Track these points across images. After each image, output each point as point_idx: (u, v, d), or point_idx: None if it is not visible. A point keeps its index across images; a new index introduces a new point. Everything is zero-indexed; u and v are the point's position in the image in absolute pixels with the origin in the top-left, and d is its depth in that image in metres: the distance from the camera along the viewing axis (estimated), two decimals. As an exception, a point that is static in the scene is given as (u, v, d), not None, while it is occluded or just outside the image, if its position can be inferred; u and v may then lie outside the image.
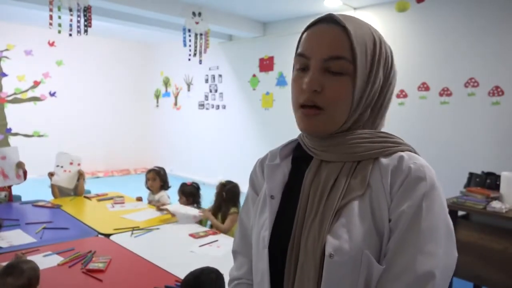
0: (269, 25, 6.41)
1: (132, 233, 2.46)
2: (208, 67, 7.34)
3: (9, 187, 3.33)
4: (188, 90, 7.96)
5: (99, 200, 3.34)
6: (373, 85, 0.72)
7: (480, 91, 4.28)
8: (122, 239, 2.35)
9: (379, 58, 0.72)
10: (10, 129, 7.11)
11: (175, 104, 8.31)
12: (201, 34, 5.50)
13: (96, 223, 2.66)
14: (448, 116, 4.52)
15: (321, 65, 0.70)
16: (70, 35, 4.42)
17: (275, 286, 0.74)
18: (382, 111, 0.77)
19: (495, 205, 2.68)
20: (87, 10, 4.34)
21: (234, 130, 7.03)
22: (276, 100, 6.26)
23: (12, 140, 7.10)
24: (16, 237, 2.33)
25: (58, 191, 3.46)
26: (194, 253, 2.20)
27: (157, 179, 3.37)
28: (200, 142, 7.69)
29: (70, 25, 4.36)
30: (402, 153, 0.70)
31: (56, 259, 2.01)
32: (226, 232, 2.68)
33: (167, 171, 3.57)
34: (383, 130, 0.78)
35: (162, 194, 3.33)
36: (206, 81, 7.52)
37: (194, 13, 5.38)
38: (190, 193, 3.13)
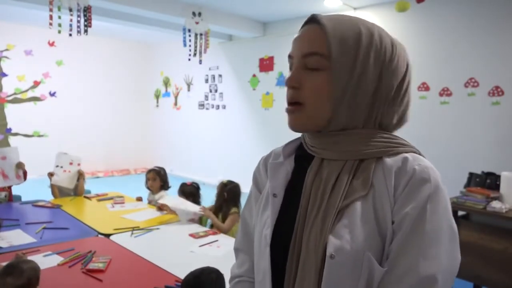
0: (269, 25, 6.41)
1: (132, 233, 2.46)
2: (208, 67, 7.34)
3: (9, 187, 3.33)
4: (188, 90, 7.96)
5: (99, 200, 3.34)
6: (360, 81, 0.70)
7: (480, 91, 4.28)
8: (122, 239, 2.34)
9: (367, 51, 0.70)
10: (10, 129, 7.11)
11: (175, 104, 8.31)
12: (201, 34, 5.50)
13: (96, 223, 2.66)
14: (448, 116, 4.52)
15: (300, 63, 0.72)
16: (70, 35, 4.42)
17: (277, 284, 0.73)
18: (388, 111, 0.73)
19: (495, 205, 2.68)
20: (87, 10, 4.34)
21: (234, 130, 7.03)
22: (276, 100, 6.26)
23: (12, 140, 7.10)
24: (16, 237, 2.33)
25: (58, 191, 3.46)
26: (194, 253, 2.20)
27: (157, 179, 3.37)
28: (200, 142, 7.69)
29: (70, 25, 4.36)
30: (406, 154, 0.69)
31: (56, 259, 2.01)
32: (226, 232, 2.67)
33: (167, 171, 3.57)
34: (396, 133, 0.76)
35: (162, 194, 3.33)
36: (206, 81, 7.52)
37: (194, 13, 5.38)
38: (190, 193, 3.13)
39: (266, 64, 6.42)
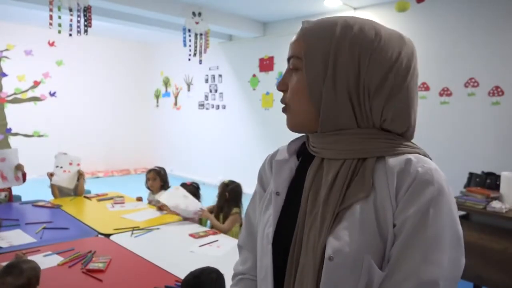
0: (269, 25, 6.41)
1: (132, 233, 2.46)
2: (208, 67, 7.34)
3: (9, 187, 3.33)
4: (188, 90, 7.96)
5: (99, 200, 3.34)
6: (335, 75, 0.68)
7: (480, 91, 4.28)
8: (122, 239, 2.35)
9: (340, 46, 0.68)
10: (10, 129, 7.11)
11: (175, 104, 8.31)
12: (201, 34, 5.50)
13: (96, 223, 2.66)
14: (448, 116, 4.52)
15: (288, 67, 0.76)
16: (70, 35, 4.42)
17: (279, 283, 0.73)
18: (373, 105, 0.69)
19: (495, 205, 2.68)
20: (87, 10, 4.34)
21: (234, 130, 7.03)
22: (276, 100, 6.25)
23: (12, 140, 7.10)
24: (16, 237, 2.33)
25: (58, 191, 3.46)
26: (194, 253, 2.20)
27: (158, 179, 3.37)
28: (200, 142, 7.69)
29: (70, 25, 4.36)
30: (410, 156, 0.67)
31: (56, 259, 2.01)
32: (226, 232, 2.67)
33: (167, 171, 3.57)
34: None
35: (162, 194, 3.33)
36: (206, 81, 7.52)
37: (194, 13, 5.38)
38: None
39: (266, 64, 6.42)
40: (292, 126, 0.76)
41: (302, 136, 0.83)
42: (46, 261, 1.97)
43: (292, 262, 0.71)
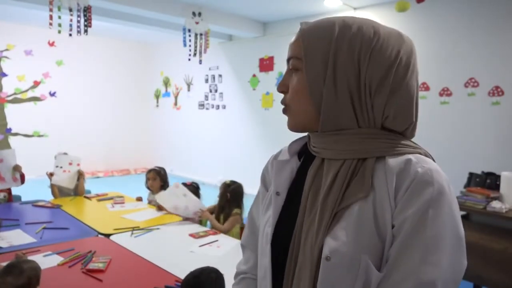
0: (269, 25, 6.41)
1: (132, 233, 2.46)
2: (208, 67, 7.34)
3: (8, 188, 3.33)
4: (188, 90, 7.96)
5: (99, 200, 3.34)
6: (335, 74, 0.68)
7: (480, 91, 4.28)
8: (122, 239, 2.34)
9: (339, 45, 0.68)
10: (10, 129, 7.11)
11: (175, 104, 8.31)
12: (201, 34, 5.50)
13: (96, 223, 2.65)
14: (448, 116, 4.52)
15: (287, 68, 0.76)
16: (70, 35, 4.42)
17: (278, 282, 0.74)
18: (374, 103, 0.68)
19: (495, 205, 2.68)
20: (87, 10, 4.34)
21: (234, 130, 7.03)
22: (276, 100, 6.25)
23: (12, 140, 7.10)
24: (16, 237, 2.33)
25: (58, 191, 3.46)
26: (194, 253, 2.20)
27: (158, 179, 3.37)
28: (200, 142, 7.69)
29: (70, 25, 4.36)
30: (410, 156, 0.66)
31: (56, 259, 2.01)
32: (225, 233, 2.67)
33: (167, 171, 3.58)
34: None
35: (161, 193, 3.33)
36: (206, 81, 7.52)
37: (194, 13, 5.38)
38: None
39: (266, 64, 6.42)
40: (293, 127, 0.76)
41: (304, 136, 0.83)
42: (46, 261, 1.96)
43: (290, 262, 0.71)
